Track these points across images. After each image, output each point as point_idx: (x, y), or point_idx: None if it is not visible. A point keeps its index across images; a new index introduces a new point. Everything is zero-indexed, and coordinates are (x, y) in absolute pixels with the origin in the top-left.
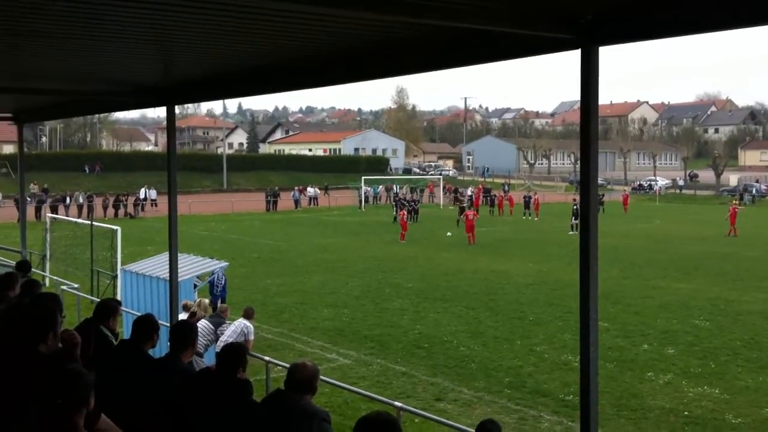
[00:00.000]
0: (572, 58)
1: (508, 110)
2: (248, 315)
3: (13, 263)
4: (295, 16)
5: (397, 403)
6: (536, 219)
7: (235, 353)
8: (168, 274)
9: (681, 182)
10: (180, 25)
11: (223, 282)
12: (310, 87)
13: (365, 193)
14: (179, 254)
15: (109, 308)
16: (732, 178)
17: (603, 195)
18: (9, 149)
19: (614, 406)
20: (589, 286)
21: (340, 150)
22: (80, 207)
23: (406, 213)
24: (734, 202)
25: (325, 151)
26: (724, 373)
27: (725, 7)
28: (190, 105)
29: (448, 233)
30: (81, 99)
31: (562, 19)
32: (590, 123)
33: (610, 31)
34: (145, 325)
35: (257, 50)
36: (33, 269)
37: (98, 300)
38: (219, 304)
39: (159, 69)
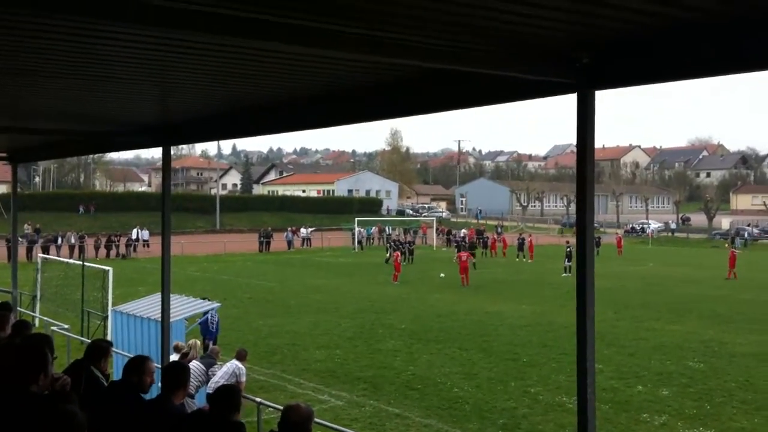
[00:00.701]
0: (566, 101)
1: (501, 153)
2: (241, 357)
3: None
4: (293, 58)
5: None
6: (530, 261)
7: (230, 395)
8: (159, 315)
9: (673, 225)
10: (178, 66)
11: (216, 320)
12: (308, 128)
13: (359, 234)
14: (171, 295)
15: (100, 349)
16: (724, 222)
17: (599, 237)
18: (2, 189)
19: None
20: (585, 328)
21: (333, 191)
22: (72, 247)
23: (399, 254)
24: (726, 245)
25: (318, 192)
26: (719, 415)
27: (725, 53)
28: (184, 146)
29: (442, 274)
30: (77, 139)
31: (559, 62)
32: (586, 166)
33: (607, 74)
34: (137, 366)
35: (255, 91)
36: (23, 309)
37: (88, 341)
38: (211, 345)
39: (156, 109)
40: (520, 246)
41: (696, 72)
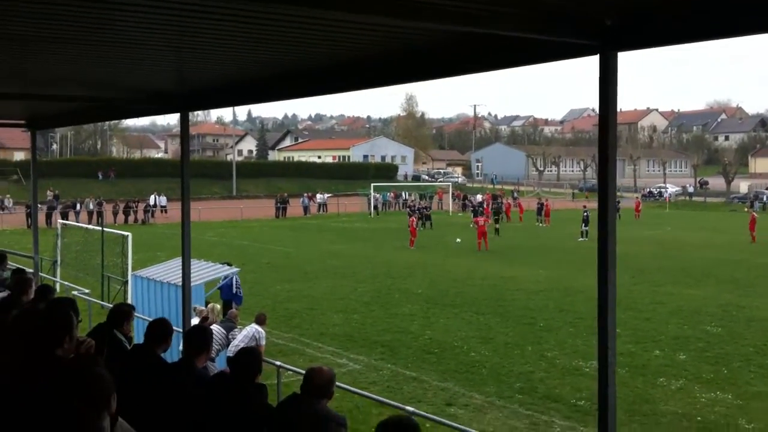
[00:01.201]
0: (582, 65)
1: (517, 118)
2: (260, 321)
3: (26, 269)
4: (312, 22)
5: (408, 408)
6: (546, 225)
7: (251, 357)
8: (179, 279)
9: (691, 189)
10: (195, 31)
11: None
12: (325, 93)
13: (374, 199)
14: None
15: (122, 313)
16: (742, 186)
17: (619, 202)
18: (20, 156)
19: (627, 412)
20: (607, 292)
21: (349, 157)
22: (90, 213)
23: (415, 219)
24: (746, 209)
25: (334, 158)
26: (736, 379)
27: (748, 11)
28: (200, 112)
29: (458, 240)
30: (94, 106)
31: (581, 24)
32: (608, 129)
33: (629, 36)
34: (159, 329)
35: (272, 57)
36: (44, 274)
37: (110, 305)
38: (235, 309)
39: (173, 75)
40: (539, 210)
41: (720, 32)
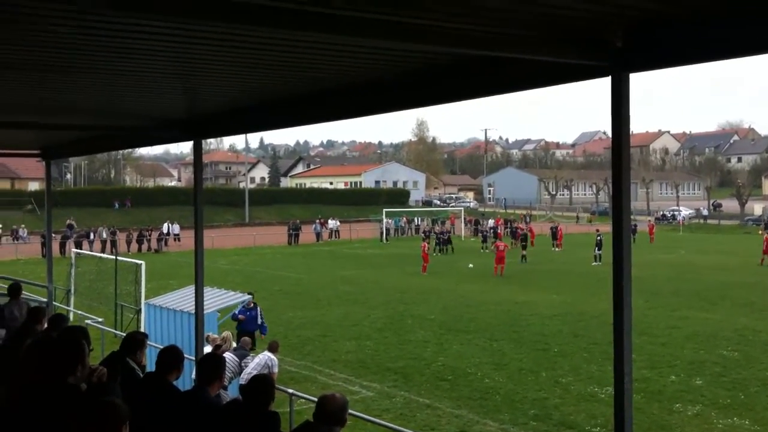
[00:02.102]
0: (594, 88)
1: (528, 141)
2: (273, 348)
3: (40, 298)
4: (320, 47)
5: None
6: (559, 249)
7: (264, 385)
8: (192, 308)
9: (705, 212)
10: (208, 58)
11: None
12: (336, 119)
13: (386, 225)
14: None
15: (136, 341)
16: (756, 208)
17: (636, 225)
18: (34, 186)
19: None
20: (623, 316)
21: (360, 183)
22: (104, 242)
23: (427, 245)
24: (760, 232)
25: (345, 184)
26: (754, 404)
27: (758, 30)
28: (212, 140)
29: (470, 265)
30: (108, 134)
31: (592, 45)
32: (622, 152)
33: (641, 57)
34: (170, 356)
35: (282, 83)
36: (58, 303)
37: (123, 334)
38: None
39: (186, 103)
40: (554, 235)
41: (732, 51)
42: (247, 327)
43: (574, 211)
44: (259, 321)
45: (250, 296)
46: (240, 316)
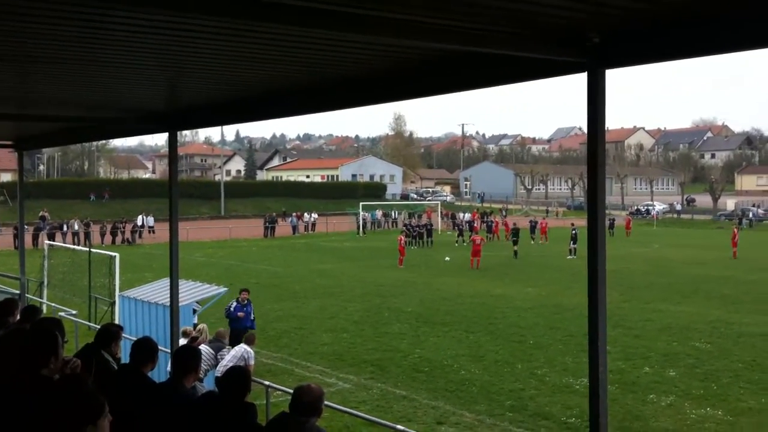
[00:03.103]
0: (570, 84)
1: (505, 136)
2: (249, 341)
3: (13, 290)
4: (303, 41)
5: (398, 427)
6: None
7: (240, 377)
8: (166, 300)
9: (678, 207)
10: (187, 51)
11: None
12: (312, 112)
13: (363, 218)
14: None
15: (110, 333)
16: (729, 203)
17: (614, 219)
18: (6, 177)
19: (617, 429)
20: (597, 309)
21: (337, 176)
22: (76, 234)
23: (404, 238)
24: (734, 227)
25: (322, 177)
26: (726, 395)
27: (736, 28)
28: (187, 133)
29: (447, 258)
30: (83, 126)
31: (568, 41)
32: (597, 147)
33: (617, 53)
34: (144, 348)
35: (260, 76)
36: (31, 296)
37: (97, 326)
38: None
39: (163, 95)
40: (532, 229)
41: (705, 49)
42: (243, 324)
43: (550, 205)
44: (252, 317)
45: (226, 289)
46: (239, 314)
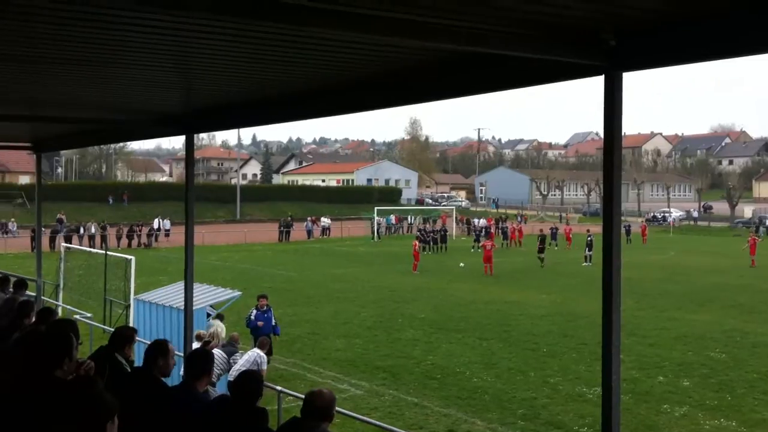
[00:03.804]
0: (587, 89)
1: (521, 141)
2: (262, 345)
3: (29, 293)
4: (318, 42)
5: None
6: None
7: (252, 381)
8: (181, 303)
9: (695, 214)
10: (202, 52)
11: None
12: (328, 115)
13: (378, 223)
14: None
15: (124, 336)
16: (747, 210)
17: (629, 225)
18: (25, 180)
19: None
20: (612, 317)
21: (353, 181)
22: (92, 237)
23: (418, 243)
24: (751, 234)
25: (338, 181)
26: (740, 406)
27: (761, 29)
28: (204, 136)
29: (461, 264)
30: (100, 128)
31: (585, 44)
32: (614, 150)
33: (634, 56)
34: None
35: (277, 78)
36: (46, 298)
37: (111, 329)
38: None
39: (180, 97)
40: (554, 235)
41: (724, 52)
42: (264, 331)
43: (566, 211)
44: (273, 322)
45: (240, 293)
46: (258, 322)
